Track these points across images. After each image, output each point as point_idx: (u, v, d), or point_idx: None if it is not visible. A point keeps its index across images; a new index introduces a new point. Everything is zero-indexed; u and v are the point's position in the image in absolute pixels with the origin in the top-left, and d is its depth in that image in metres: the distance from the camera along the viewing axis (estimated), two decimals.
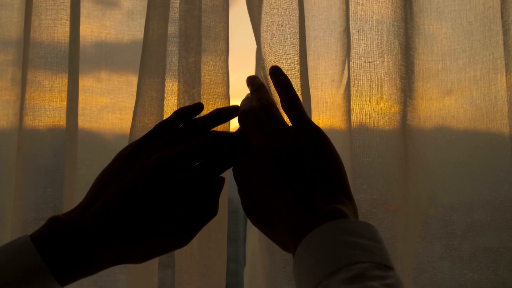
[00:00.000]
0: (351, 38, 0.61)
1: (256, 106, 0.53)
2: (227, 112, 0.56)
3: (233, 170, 0.52)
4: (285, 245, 0.47)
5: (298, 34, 0.59)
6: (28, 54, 0.64)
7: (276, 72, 0.54)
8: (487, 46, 0.62)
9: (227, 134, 0.54)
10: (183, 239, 0.51)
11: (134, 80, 0.65)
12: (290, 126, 0.50)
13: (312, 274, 0.40)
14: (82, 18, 0.65)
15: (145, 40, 0.63)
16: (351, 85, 0.61)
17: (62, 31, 0.64)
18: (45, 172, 0.65)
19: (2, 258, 0.45)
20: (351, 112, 0.62)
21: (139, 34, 0.67)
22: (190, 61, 0.62)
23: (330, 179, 0.46)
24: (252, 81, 0.56)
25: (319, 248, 0.41)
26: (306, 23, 0.61)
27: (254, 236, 0.67)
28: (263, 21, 0.60)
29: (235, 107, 0.56)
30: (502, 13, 0.61)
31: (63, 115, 0.64)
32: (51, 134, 0.65)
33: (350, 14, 0.60)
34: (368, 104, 0.61)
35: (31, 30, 0.64)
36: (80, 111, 0.66)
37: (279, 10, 0.58)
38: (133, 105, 0.63)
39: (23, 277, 0.45)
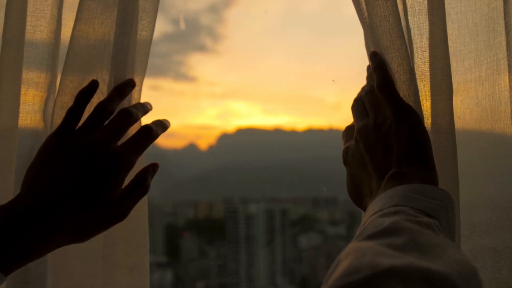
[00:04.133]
0: (412, 33, 0.60)
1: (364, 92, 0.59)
2: (125, 86, 0.63)
3: (342, 154, 0.59)
4: None
5: (402, 26, 0.58)
6: (5, 56, 0.65)
7: (374, 56, 0.59)
8: (492, 46, 0.62)
9: (136, 107, 0.62)
10: (120, 214, 0.57)
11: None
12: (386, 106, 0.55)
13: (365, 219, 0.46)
14: (80, 19, 0.66)
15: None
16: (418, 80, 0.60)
17: (40, 37, 0.65)
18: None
19: None
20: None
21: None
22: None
23: (404, 149, 0.51)
24: (372, 59, 0.60)
25: (378, 201, 0.47)
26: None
27: None
28: (366, 15, 0.60)
29: (130, 79, 0.64)
30: (504, 14, 0.61)
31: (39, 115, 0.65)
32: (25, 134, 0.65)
33: (408, 9, 0.60)
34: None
35: (8, 33, 0.65)
36: None
37: (380, 2, 0.58)
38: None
39: None
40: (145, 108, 0.64)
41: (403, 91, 0.57)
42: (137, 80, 0.66)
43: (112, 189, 0.56)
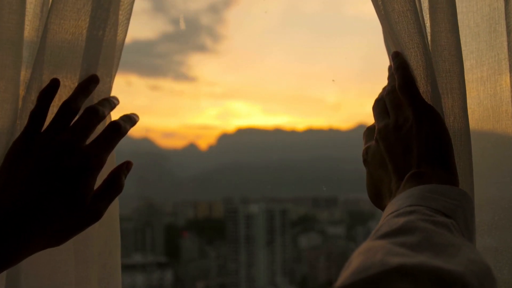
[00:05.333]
0: (432, 30, 0.59)
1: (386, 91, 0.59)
2: (89, 83, 0.62)
3: (362, 154, 0.59)
4: None
5: (420, 21, 0.57)
6: None
7: (395, 56, 0.58)
8: (493, 47, 0.62)
9: (102, 104, 0.61)
10: (95, 214, 0.56)
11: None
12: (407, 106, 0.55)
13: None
14: (52, 11, 0.64)
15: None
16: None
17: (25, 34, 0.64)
18: None
19: None
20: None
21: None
22: None
23: (424, 150, 0.51)
24: (394, 59, 0.59)
25: (395, 201, 0.46)
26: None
27: None
28: (384, 11, 0.59)
29: (94, 75, 0.62)
30: (506, 14, 0.62)
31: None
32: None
33: (424, 7, 0.59)
34: None
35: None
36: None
37: None
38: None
39: None
40: (112, 104, 0.63)
41: (422, 87, 0.57)
42: (108, 77, 0.65)
43: (85, 188, 0.55)
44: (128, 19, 0.65)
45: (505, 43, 0.61)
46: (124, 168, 0.61)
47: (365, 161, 0.58)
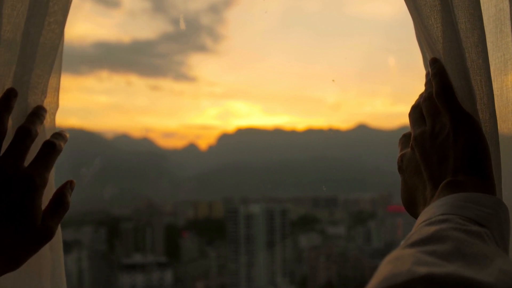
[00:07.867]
0: (464, 26, 0.58)
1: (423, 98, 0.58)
2: (7, 99, 0.60)
3: (397, 161, 0.59)
4: None
5: (451, 15, 0.57)
6: None
7: (433, 62, 0.58)
8: (499, 47, 0.62)
9: (31, 122, 0.60)
10: (47, 233, 0.57)
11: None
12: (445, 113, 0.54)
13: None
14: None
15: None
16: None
17: None
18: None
19: None
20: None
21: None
22: None
23: (460, 158, 0.51)
24: (431, 65, 0.59)
25: (429, 210, 0.46)
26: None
27: None
28: (415, 6, 0.59)
29: (10, 89, 0.60)
30: (511, 15, 0.62)
31: None
32: None
33: (457, 3, 0.59)
34: None
35: None
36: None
37: None
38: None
39: None
40: (42, 118, 0.63)
41: (456, 81, 0.56)
42: (47, 75, 0.64)
43: (33, 209, 0.56)
44: (66, 18, 0.64)
45: (511, 44, 0.62)
46: (68, 186, 0.62)
47: (400, 168, 0.57)
